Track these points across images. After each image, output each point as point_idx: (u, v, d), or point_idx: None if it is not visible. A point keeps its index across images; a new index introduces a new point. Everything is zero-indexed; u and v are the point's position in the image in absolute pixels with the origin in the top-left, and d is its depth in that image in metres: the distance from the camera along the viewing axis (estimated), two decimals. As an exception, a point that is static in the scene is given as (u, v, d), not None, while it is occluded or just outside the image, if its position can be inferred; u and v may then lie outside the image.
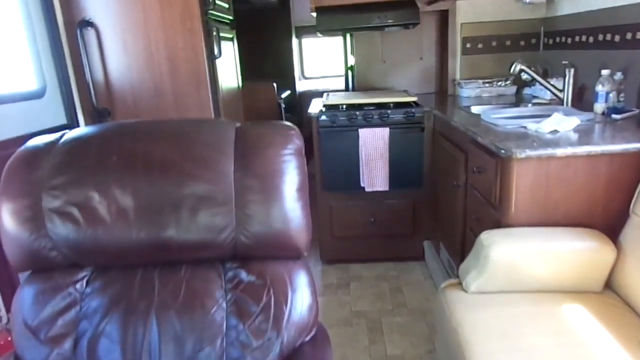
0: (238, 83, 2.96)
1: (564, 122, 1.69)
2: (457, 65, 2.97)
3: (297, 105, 5.19)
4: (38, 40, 2.09)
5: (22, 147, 1.19)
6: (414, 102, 2.57)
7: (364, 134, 2.50)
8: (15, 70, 2.01)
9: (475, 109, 2.41)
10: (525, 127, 1.74)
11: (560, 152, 1.43)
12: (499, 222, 1.56)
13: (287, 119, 4.53)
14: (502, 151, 1.46)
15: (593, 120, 1.82)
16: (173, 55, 2.30)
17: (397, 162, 2.55)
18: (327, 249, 2.82)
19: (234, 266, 1.12)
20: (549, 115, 2.01)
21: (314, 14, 2.57)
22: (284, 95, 4.27)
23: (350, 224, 2.74)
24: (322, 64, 7.05)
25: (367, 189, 2.58)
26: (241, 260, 1.12)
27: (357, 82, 3.21)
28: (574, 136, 1.59)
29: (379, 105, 2.56)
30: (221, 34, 2.59)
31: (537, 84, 2.46)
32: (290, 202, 1.06)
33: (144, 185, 1.06)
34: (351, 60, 3.61)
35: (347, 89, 4.28)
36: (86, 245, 1.12)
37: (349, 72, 3.68)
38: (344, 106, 2.58)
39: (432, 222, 2.65)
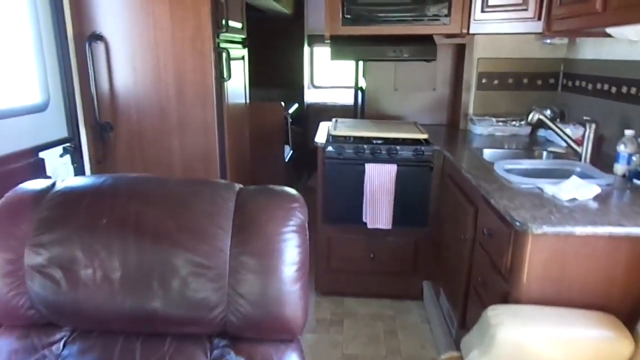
0: (246, 101, 2.88)
1: (583, 189, 1.61)
2: (470, 99, 2.89)
3: (304, 117, 5.11)
4: (46, 52, 2.02)
5: (12, 192, 1.12)
6: (424, 139, 2.49)
7: (371, 169, 2.42)
8: (19, 83, 1.94)
9: (487, 153, 2.33)
10: (541, 190, 1.66)
11: (579, 230, 1.34)
12: (507, 295, 1.48)
13: (293, 132, 4.46)
14: (517, 223, 1.38)
15: (613, 186, 1.74)
16: (181, 76, 2.23)
17: (402, 199, 2.47)
18: (323, 280, 2.74)
19: (222, 344, 1.04)
20: (566, 173, 1.92)
21: (328, 41, 2.49)
22: (291, 110, 4.19)
23: (348, 258, 2.66)
24: (333, 73, 6.99)
25: (369, 226, 2.50)
26: (230, 338, 1.04)
27: (367, 108, 3.13)
28: (594, 207, 1.50)
29: (388, 140, 2.48)
30: (233, 55, 2.51)
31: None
32: (288, 284, 0.98)
33: (133, 252, 0.98)
34: (362, 82, 3.53)
35: (355, 112, 4.22)
36: (66, 307, 1.04)
37: (359, 94, 3.60)
38: (352, 138, 2.50)
39: (434, 263, 2.57)
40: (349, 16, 2.37)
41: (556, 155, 2.27)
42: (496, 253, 1.60)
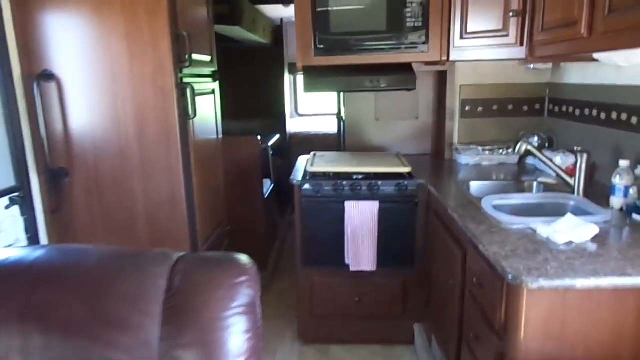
0: (218, 136, 2.72)
1: (579, 229, 1.45)
2: (455, 128, 2.76)
3: (287, 147, 4.97)
4: (-13, 94, 1.86)
5: None
6: (407, 173, 2.34)
7: (351, 207, 2.25)
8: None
9: (475, 187, 2.19)
10: (534, 231, 1.50)
11: (580, 283, 1.18)
12: (503, 355, 1.30)
13: (274, 165, 4.30)
14: (510, 276, 1.21)
15: (611, 223, 1.58)
16: (142, 115, 2.06)
17: (386, 238, 2.30)
18: (306, 327, 2.53)
19: None
20: (560, 208, 1.77)
21: (301, 74, 2.36)
22: (272, 142, 4.04)
23: (332, 302, 2.46)
24: (317, 100, 6.90)
25: (351, 268, 2.32)
26: None
27: (347, 139, 2.98)
28: (594, 251, 1.34)
29: (369, 176, 2.32)
30: (200, 89, 2.37)
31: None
32: (235, 381, 0.80)
33: (36, 351, 0.79)
34: (343, 111, 3.40)
35: (339, 141, 4.08)
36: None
37: (341, 124, 3.47)
38: (330, 174, 2.34)
39: (424, 305, 2.38)
40: (321, 46, 2.24)
41: (547, 187, 2.13)
42: (489, 306, 1.42)
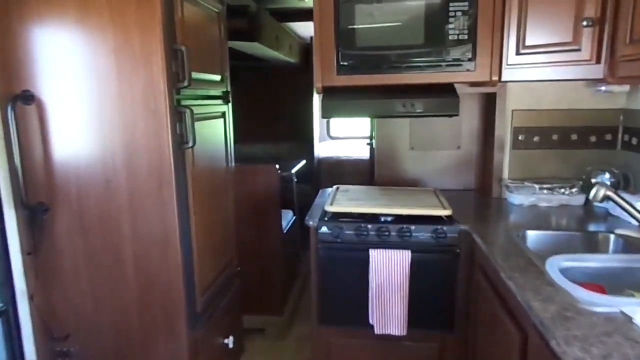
0: (229, 166, 2.39)
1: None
2: (505, 160, 2.32)
3: (316, 173, 4.62)
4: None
5: None
6: (447, 216, 1.92)
7: (377, 256, 1.85)
8: None
9: (532, 238, 1.75)
10: (630, 319, 1.06)
11: None
12: None
13: (299, 193, 3.95)
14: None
15: None
16: (131, 142, 1.76)
17: (420, 296, 1.88)
18: (322, 396, 2.12)
19: None
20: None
21: (320, 96, 2.01)
22: (296, 168, 3.70)
23: (353, 369, 2.05)
24: (350, 122, 6.55)
25: (376, 331, 1.90)
26: None
27: (376, 170, 2.59)
28: None
29: (400, 218, 1.92)
30: (205, 113, 2.06)
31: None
32: None
33: None
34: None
35: (370, 172, 3.70)
36: None
37: (372, 152, 3.09)
38: (353, 215, 1.95)
39: (466, 380, 1.93)
40: (345, 63, 1.89)
41: (629, 243, 1.66)
42: None
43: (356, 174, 4.70)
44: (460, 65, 1.86)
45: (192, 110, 1.80)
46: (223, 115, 2.32)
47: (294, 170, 3.53)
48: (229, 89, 2.38)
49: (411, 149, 2.55)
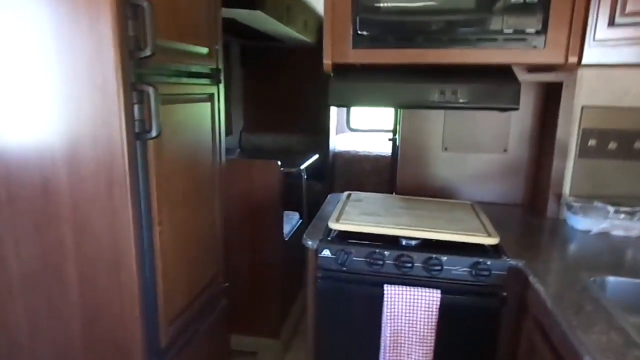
0: (217, 161, 1.94)
1: None
2: (567, 171, 1.81)
3: (330, 168, 4.14)
4: None
5: None
6: (492, 245, 1.43)
7: (394, 295, 1.38)
8: None
9: (613, 286, 1.25)
10: None
11: None
12: None
13: (310, 191, 3.49)
14: None
15: None
16: (73, 131, 1.32)
17: (449, 351, 1.40)
18: None
19: None
20: None
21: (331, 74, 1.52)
22: (307, 163, 3.23)
23: None
24: (374, 112, 6.03)
25: (390, 394, 1.44)
26: None
27: (399, 174, 2.10)
28: None
29: (427, 243, 1.43)
30: (184, 93, 1.61)
31: None
32: None
33: None
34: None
35: (394, 168, 3.22)
36: None
37: (395, 151, 2.60)
38: (364, 236, 1.48)
39: None
40: (364, 32, 1.40)
41: None
42: None
43: (375, 173, 4.21)
44: (524, 40, 1.35)
45: (156, 89, 1.34)
46: (210, 97, 1.86)
47: (303, 166, 3.06)
48: (220, 66, 1.92)
49: (444, 150, 2.04)
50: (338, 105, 1.48)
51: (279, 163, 2.30)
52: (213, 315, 1.98)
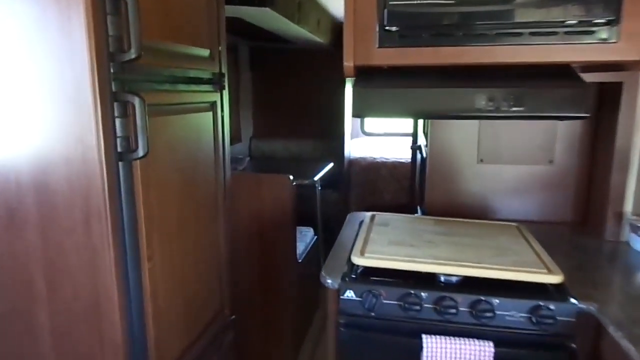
0: (221, 176, 1.70)
1: None
2: (628, 186, 1.54)
3: (346, 176, 3.89)
4: None
5: None
6: (555, 284, 1.16)
7: (435, 348, 1.12)
8: None
9: None
10: None
11: None
12: None
13: (325, 202, 3.25)
14: None
15: None
16: (42, 153, 1.09)
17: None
18: None
19: None
20: None
21: (350, 81, 1.26)
22: (321, 173, 2.98)
23: None
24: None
25: None
26: None
27: (429, 192, 1.84)
28: None
29: (472, 282, 1.17)
30: (185, 101, 1.38)
31: None
32: None
33: None
34: (423, 140, 2.28)
35: (413, 174, 2.97)
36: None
37: (419, 161, 2.36)
38: (395, 273, 1.22)
39: None
40: (393, 28, 1.15)
41: None
42: None
43: (394, 180, 3.94)
44: (591, 33, 1.09)
45: (142, 99, 1.10)
46: (212, 106, 1.62)
47: (318, 177, 2.81)
48: (223, 71, 1.68)
49: (480, 162, 1.78)
50: (363, 116, 1.23)
51: (291, 177, 2.05)
52: (219, 353, 1.75)
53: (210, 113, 1.61)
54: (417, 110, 1.16)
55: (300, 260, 2.27)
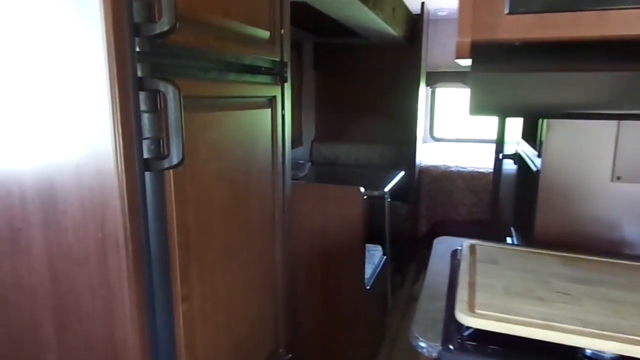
0: (280, 185, 1.40)
1: None
2: None
3: (416, 186, 3.49)
4: None
5: None
6: None
7: None
8: None
9: None
10: None
11: None
12: None
13: (394, 214, 2.87)
14: None
15: None
16: (48, 159, 0.82)
17: None
18: None
19: None
20: None
21: (463, 63, 0.89)
22: (392, 184, 2.62)
23: None
24: (458, 120, 5.28)
25: None
26: None
27: (540, 218, 1.42)
28: None
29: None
30: (237, 94, 1.09)
31: None
32: None
33: None
34: (524, 148, 1.86)
35: (496, 194, 2.56)
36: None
37: (508, 166, 1.95)
38: (514, 338, 0.84)
39: None
40: (536, -16, 0.78)
41: None
42: None
43: (471, 192, 3.49)
44: None
45: (177, 89, 0.81)
46: (271, 101, 1.32)
47: (388, 188, 2.45)
48: (286, 59, 1.38)
49: (616, 180, 1.34)
50: (487, 113, 0.85)
51: (362, 189, 1.71)
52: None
53: (269, 110, 1.31)
54: (582, 102, 0.77)
55: (368, 287, 1.92)
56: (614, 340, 0.78)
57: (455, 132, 5.22)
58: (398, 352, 2.37)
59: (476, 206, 3.46)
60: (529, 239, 1.50)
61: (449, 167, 3.67)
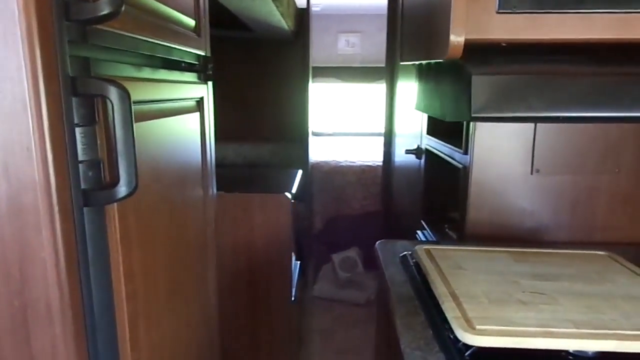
0: (210, 192, 1.20)
1: None
2: None
3: (309, 185, 3.44)
4: None
5: None
6: None
7: None
8: None
9: None
10: None
11: None
12: None
13: (298, 218, 2.78)
14: None
15: None
16: None
17: None
18: None
19: None
20: None
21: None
22: (297, 182, 2.52)
23: None
24: (337, 113, 5.41)
25: None
26: None
27: (471, 215, 1.46)
28: None
29: (605, 357, 0.80)
30: (169, 97, 0.87)
31: None
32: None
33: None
34: (425, 142, 1.92)
35: (386, 185, 2.62)
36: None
37: (392, 156, 2.00)
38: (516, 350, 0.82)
39: None
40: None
41: None
42: None
43: (362, 186, 3.57)
44: None
45: (125, 92, 0.59)
46: (199, 104, 1.12)
47: (294, 190, 2.34)
48: (209, 53, 1.18)
49: (535, 172, 1.44)
50: (486, 115, 0.79)
51: (289, 195, 1.58)
52: None
53: (198, 114, 1.10)
54: (575, 103, 0.75)
55: (294, 298, 1.80)
56: (611, 339, 0.80)
57: (334, 125, 5.34)
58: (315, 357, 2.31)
59: (367, 199, 3.55)
60: (458, 233, 1.54)
61: (339, 162, 3.71)
